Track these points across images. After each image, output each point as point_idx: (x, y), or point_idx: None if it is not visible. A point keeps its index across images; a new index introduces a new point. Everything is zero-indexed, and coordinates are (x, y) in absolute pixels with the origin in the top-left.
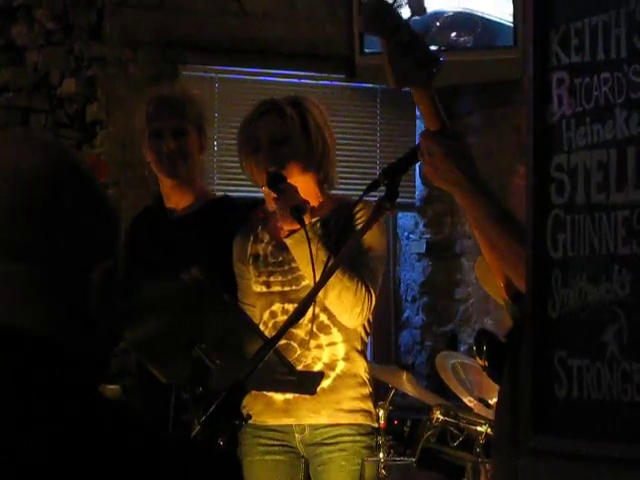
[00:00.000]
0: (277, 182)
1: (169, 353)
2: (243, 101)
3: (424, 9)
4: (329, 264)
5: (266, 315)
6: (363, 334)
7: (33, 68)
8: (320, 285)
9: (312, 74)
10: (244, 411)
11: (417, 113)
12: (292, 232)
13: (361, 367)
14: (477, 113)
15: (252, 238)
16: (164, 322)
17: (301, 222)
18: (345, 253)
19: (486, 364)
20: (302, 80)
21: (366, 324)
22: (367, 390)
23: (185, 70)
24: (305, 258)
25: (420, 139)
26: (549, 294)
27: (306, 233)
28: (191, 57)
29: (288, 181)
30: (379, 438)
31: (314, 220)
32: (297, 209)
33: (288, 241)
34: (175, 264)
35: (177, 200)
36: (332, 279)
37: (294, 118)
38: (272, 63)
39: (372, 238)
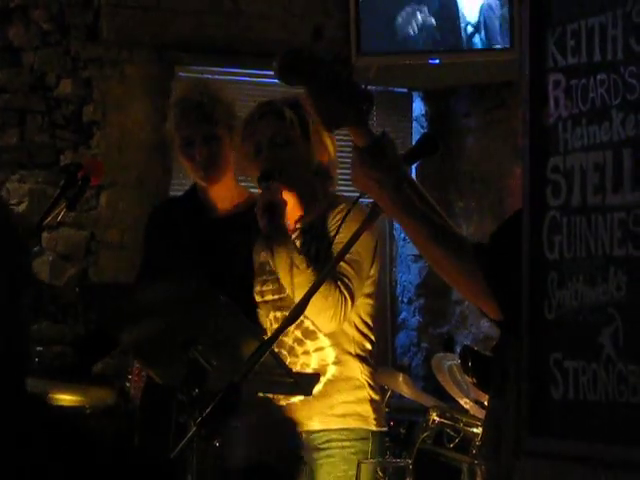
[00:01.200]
0: (265, 179)
1: (165, 355)
2: (239, 102)
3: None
4: (323, 268)
5: (267, 324)
6: (358, 337)
7: (29, 69)
8: (313, 291)
9: None
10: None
11: (414, 114)
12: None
13: (357, 370)
14: (473, 115)
15: (263, 244)
16: (160, 324)
17: (271, 221)
18: (339, 257)
19: (474, 380)
20: None
21: (362, 326)
22: (365, 393)
23: (181, 71)
24: (280, 264)
25: (352, 154)
26: (545, 296)
27: (268, 237)
28: (187, 58)
29: (284, 183)
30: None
31: (297, 226)
32: (269, 210)
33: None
34: (213, 264)
35: (216, 199)
36: (302, 280)
37: (293, 120)
38: (268, 64)
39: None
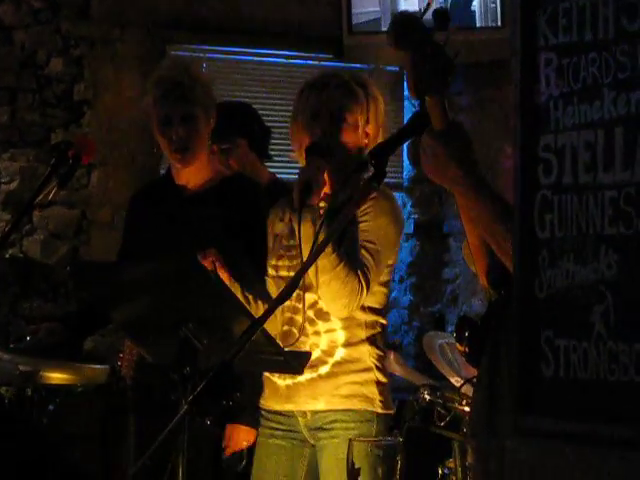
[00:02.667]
0: (314, 152)
1: (156, 333)
2: (231, 81)
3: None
4: (319, 242)
5: None
6: (369, 321)
7: (20, 47)
8: (307, 266)
9: (300, 54)
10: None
11: (405, 93)
12: (294, 209)
13: (366, 352)
14: (465, 93)
15: (280, 215)
16: (151, 302)
17: (303, 201)
18: (332, 232)
19: (466, 350)
20: (290, 60)
21: (373, 312)
22: (372, 376)
23: (173, 50)
24: (305, 238)
25: (423, 138)
26: (536, 274)
27: (299, 215)
28: (179, 37)
29: (329, 162)
30: None
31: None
32: (306, 187)
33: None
34: (188, 242)
35: (188, 178)
36: (326, 264)
37: (363, 101)
38: (260, 43)
39: (378, 228)
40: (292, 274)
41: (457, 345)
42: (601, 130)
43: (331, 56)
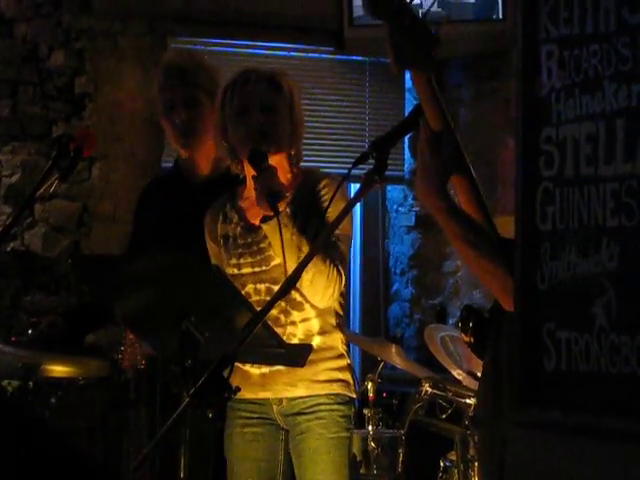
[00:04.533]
0: (259, 159)
1: (158, 326)
2: (231, 73)
3: None
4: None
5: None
6: (337, 307)
7: (22, 40)
8: (302, 267)
9: (301, 47)
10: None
11: (406, 85)
12: (266, 217)
13: (338, 339)
14: (466, 86)
15: (221, 217)
16: (152, 295)
17: (275, 210)
18: (328, 233)
19: (471, 340)
20: (291, 53)
21: (339, 298)
22: (345, 362)
23: (174, 42)
24: (279, 245)
25: (420, 137)
26: (538, 266)
27: (278, 222)
28: (180, 29)
29: (269, 161)
30: (367, 411)
31: (286, 203)
32: (273, 196)
33: (265, 227)
34: (196, 233)
35: (195, 167)
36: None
37: (285, 91)
38: (261, 36)
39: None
40: (257, 269)
41: (462, 335)
42: (602, 122)
43: (332, 49)
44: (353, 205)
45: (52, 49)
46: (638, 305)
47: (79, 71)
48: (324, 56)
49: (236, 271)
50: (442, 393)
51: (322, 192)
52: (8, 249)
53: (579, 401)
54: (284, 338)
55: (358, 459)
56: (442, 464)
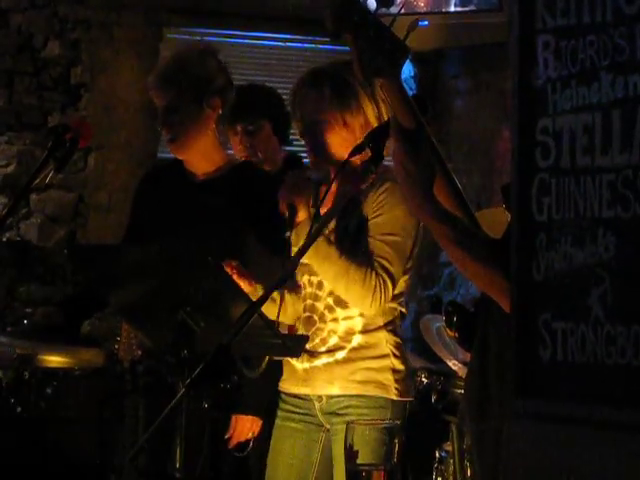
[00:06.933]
0: (291, 166)
1: (154, 317)
2: (228, 64)
3: (392, 1)
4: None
5: (302, 284)
6: (387, 309)
7: (17, 31)
8: (303, 251)
9: (297, 37)
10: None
11: (403, 76)
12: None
13: (382, 339)
14: (462, 77)
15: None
16: (148, 285)
17: (291, 223)
18: (327, 218)
19: (456, 335)
20: (287, 43)
21: (393, 300)
22: (388, 362)
23: (170, 33)
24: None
25: (395, 148)
26: (534, 257)
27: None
28: (176, 20)
29: (318, 167)
30: None
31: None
32: (291, 206)
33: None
34: (194, 227)
35: (195, 165)
36: (339, 270)
37: (331, 97)
38: (257, 26)
39: (395, 219)
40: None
41: (447, 330)
42: (599, 113)
43: (327, 39)
44: (347, 200)
45: (48, 39)
46: (634, 296)
47: (75, 61)
48: (321, 47)
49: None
50: (438, 383)
51: (379, 196)
52: (4, 239)
53: (575, 392)
54: (324, 335)
55: (355, 449)
56: (438, 454)
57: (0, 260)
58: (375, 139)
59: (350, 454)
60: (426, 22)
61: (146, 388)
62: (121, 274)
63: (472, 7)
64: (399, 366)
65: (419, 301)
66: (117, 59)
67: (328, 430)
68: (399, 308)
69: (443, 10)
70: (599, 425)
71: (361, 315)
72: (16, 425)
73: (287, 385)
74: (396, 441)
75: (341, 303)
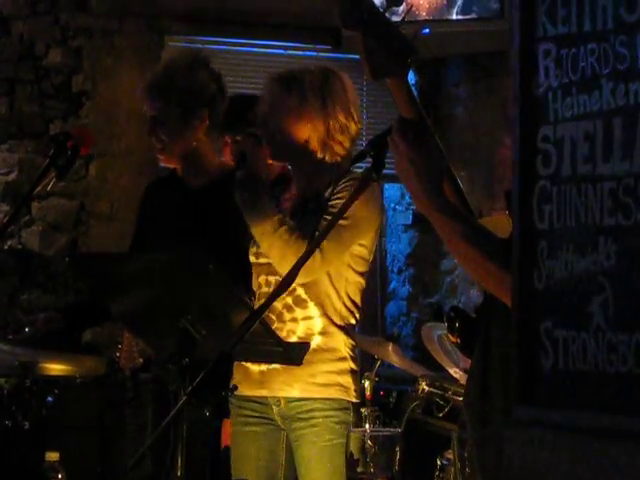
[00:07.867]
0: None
1: (155, 324)
2: (229, 72)
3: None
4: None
5: (255, 286)
6: (344, 311)
7: (19, 38)
8: (305, 259)
9: (298, 45)
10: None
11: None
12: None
13: (341, 342)
14: (463, 84)
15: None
16: (150, 294)
17: (239, 167)
18: (328, 227)
19: (458, 341)
20: (288, 51)
21: (349, 302)
22: (347, 365)
23: (171, 41)
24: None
25: (393, 127)
26: (535, 265)
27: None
28: (177, 27)
29: (273, 153)
30: (364, 409)
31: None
32: (242, 155)
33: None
34: (191, 234)
35: (188, 175)
36: (267, 226)
37: (292, 92)
38: (259, 34)
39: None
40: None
41: (449, 336)
42: (600, 121)
43: (329, 47)
44: (350, 204)
45: (49, 47)
46: (635, 304)
47: (76, 69)
48: (322, 54)
49: (254, 259)
50: (439, 391)
51: (339, 188)
52: (5, 247)
53: (576, 400)
54: (284, 335)
55: (355, 457)
56: (439, 462)
57: (1, 268)
58: (376, 147)
59: (351, 462)
60: (428, 30)
61: (153, 396)
62: (123, 282)
63: (473, 15)
64: (355, 368)
65: (420, 309)
66: (119, 67)
67: (285, 431)
68: (355, 312)
69: (445, 18)
70: (600, 433)
71: (321, 316)
72: (17, 433)
73: (242, 388)
74: (397, 449)
75: (300, 303)
